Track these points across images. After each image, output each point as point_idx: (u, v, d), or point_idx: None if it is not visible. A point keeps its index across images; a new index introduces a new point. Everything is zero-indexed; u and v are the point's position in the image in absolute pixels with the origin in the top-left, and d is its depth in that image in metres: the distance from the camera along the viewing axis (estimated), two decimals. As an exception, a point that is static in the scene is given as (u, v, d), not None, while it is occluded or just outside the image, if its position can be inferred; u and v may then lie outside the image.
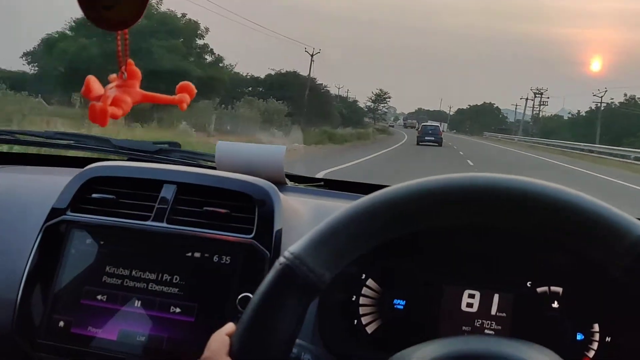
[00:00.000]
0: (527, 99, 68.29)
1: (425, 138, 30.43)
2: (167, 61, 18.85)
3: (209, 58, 23.94)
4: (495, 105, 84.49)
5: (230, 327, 0.60)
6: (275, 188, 0.96)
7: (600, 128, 42.28)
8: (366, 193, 0.60)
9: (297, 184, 1.28)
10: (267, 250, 0.91)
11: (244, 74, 32.18)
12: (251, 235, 0.92)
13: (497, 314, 0.90)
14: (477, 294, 0.91)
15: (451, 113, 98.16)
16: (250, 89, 31.21)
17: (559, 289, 0.89)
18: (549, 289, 0.90)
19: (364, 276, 0.94)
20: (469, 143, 39.95)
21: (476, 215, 0.59)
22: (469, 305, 0.91)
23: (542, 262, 0.89)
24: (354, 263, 0.93)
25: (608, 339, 0.87)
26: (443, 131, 37.57)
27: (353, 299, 0.94)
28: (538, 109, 69.45)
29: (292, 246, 0.58)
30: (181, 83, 0.72)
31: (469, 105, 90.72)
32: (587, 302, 0.88)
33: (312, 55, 37.42)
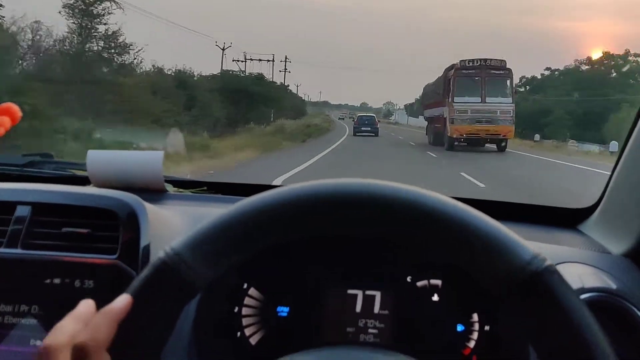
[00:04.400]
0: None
1: (362, 129, 30.31)
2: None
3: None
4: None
5: None
6: (141, 201, 0.89)
7: None
8: (250, 195, 0.58)
9: (180, 190, 1.21)
10: (134, 269, 0.84)
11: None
12: (115, 256, 0.85)
13: (380, 312, 0.89)
14: (360, 294, 0.89)
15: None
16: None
17: (439, 282, 0.89)
18: (429, 282, 0.89)
19: (245, 285, 0.90)
20: None
21: (355, 225, 0.56)
22: (352, 306, 0.89)
23: (421, 257, 0.89)
24: (235, 273, 0.90)
25: (487, 327, 0.88)
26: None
27: (235, 310, 0.90)
28: None
29: (174, 242, 0.56)
30: (2, 105, 0.64)
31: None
32: (465, 292, 0.88)
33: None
